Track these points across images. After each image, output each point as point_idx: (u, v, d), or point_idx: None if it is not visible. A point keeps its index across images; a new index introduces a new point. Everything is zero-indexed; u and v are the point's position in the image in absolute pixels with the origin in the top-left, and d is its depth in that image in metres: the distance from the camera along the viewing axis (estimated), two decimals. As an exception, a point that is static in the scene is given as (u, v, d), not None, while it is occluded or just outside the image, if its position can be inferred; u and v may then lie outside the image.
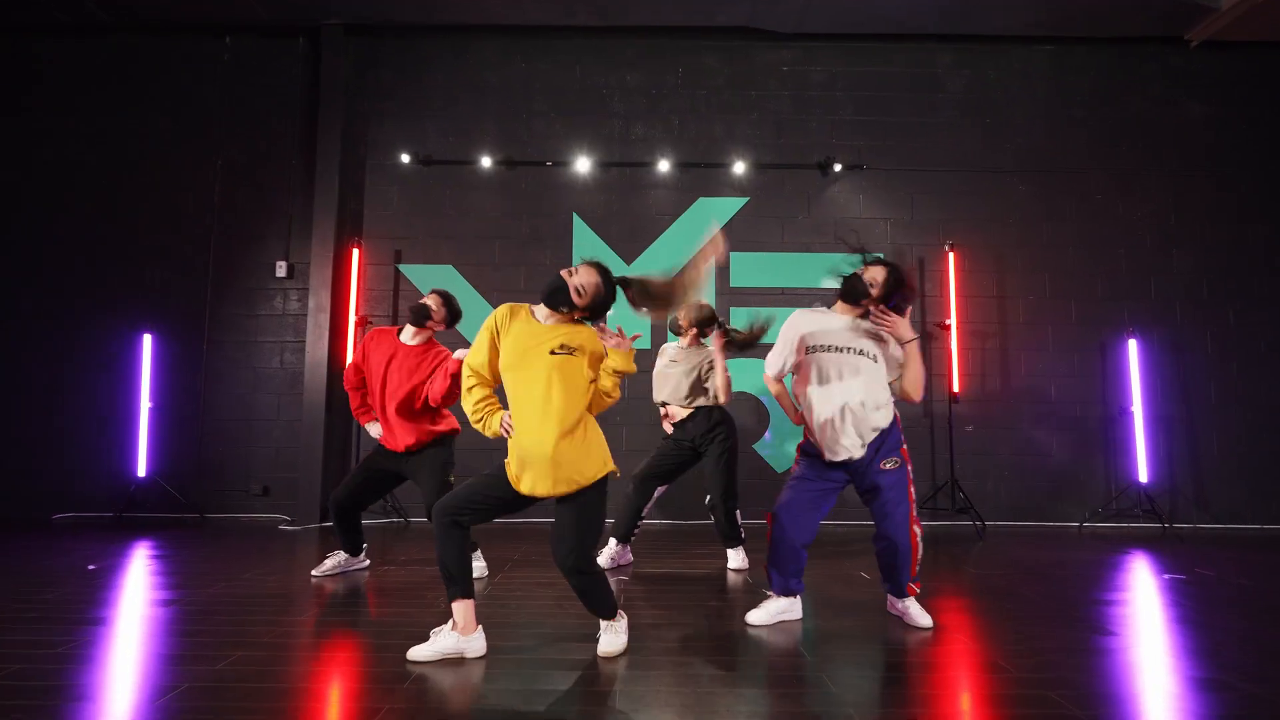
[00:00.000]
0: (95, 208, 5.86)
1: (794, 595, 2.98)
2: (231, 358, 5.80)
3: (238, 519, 5.60)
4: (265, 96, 5.99)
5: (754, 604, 2.99)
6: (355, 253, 5.76)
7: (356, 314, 5.69)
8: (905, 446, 2.94)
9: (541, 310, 2.49)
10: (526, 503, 2.47)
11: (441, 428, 3.58)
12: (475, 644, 2.45)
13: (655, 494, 4.04)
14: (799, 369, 2.97)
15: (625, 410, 5.60)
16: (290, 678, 2.24)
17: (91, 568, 3.79)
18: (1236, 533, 5.47)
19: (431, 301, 3.62)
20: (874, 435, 2.86)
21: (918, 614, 2.89)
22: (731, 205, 5.94)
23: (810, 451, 2.97)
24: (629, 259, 5.87)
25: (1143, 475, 5.48)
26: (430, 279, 5.77)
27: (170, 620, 2.83)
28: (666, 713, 2.01)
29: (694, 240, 5.90)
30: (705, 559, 4.18)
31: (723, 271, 5.87)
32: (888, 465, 2.85)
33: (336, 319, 5.67)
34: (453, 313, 3.66)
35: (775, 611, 2.94)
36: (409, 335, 3.60)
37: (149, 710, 1.97)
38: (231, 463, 5.71)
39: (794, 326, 2.98)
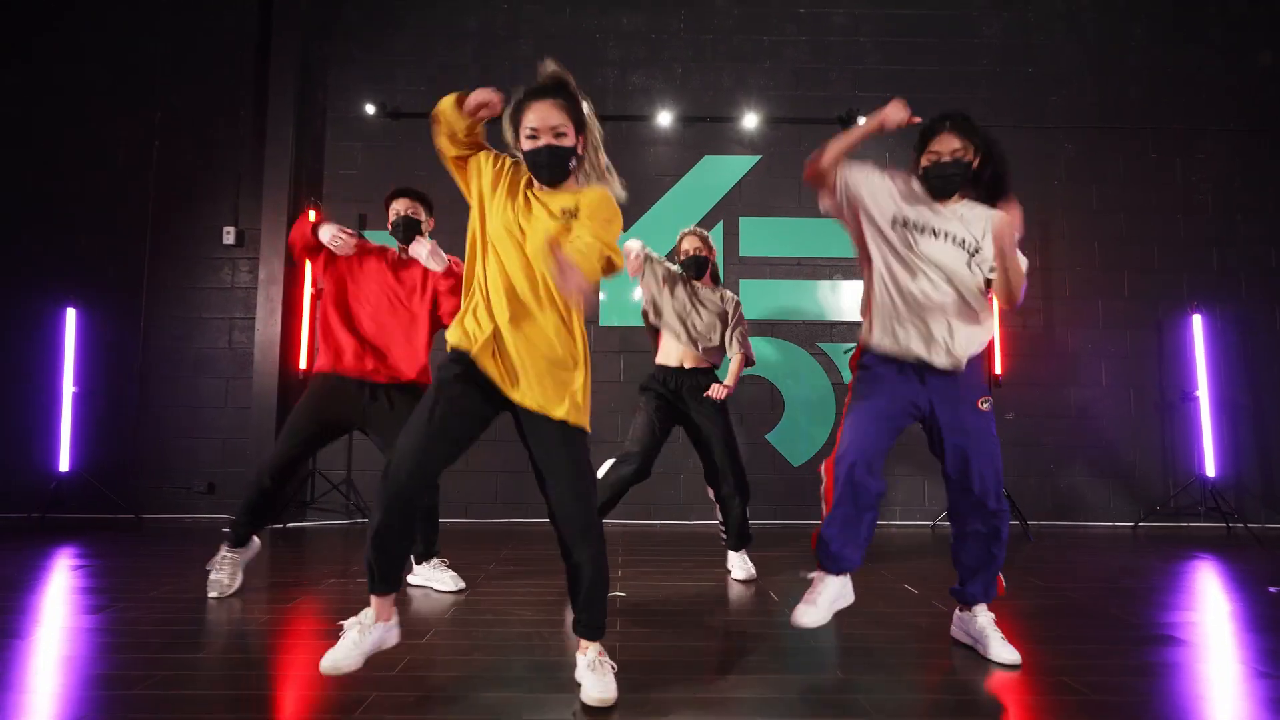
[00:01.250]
0: (12, 165, 5.12)
1: (847, 572, 2.25)
2: (172, 336, 5.08)
3: (179, 520, 4.90)
4: (211, 38, 5.26)
5: (769, 617, 2.32)
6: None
7: (313, 287, 4.99)
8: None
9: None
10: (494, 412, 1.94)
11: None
12: (393, 634, 1.92)
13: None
14: (872, 242, 2.24)
15: (625, 397, 4.92)
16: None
17: (-28, 582, 3.10)
18: (1313, 534, 4.84)
19: (407, 208, 3.00)
20: (971, 346, 2.18)
21: (999, 645, 2.18)
22: (741, 164, 5.25)
23: (872, 363, 2.25)
24: (627, 224, 5.18)
25: (1210, 469, 4.83)
26: (399, 247, 5.06)
27: (27, 659, 2.14)
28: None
29: (700, 202, 5.21)
30: (698, 569, 3.49)
31: (730, 239, 5.20)
32: (984, 405, 2.19)
33: (291, 292, 4.96)
34: (430, 206, 3.06)
35: (831, 600, 2.20)
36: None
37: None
38: (172, 456, 5.00)
39: (889, 179, 2.26)
